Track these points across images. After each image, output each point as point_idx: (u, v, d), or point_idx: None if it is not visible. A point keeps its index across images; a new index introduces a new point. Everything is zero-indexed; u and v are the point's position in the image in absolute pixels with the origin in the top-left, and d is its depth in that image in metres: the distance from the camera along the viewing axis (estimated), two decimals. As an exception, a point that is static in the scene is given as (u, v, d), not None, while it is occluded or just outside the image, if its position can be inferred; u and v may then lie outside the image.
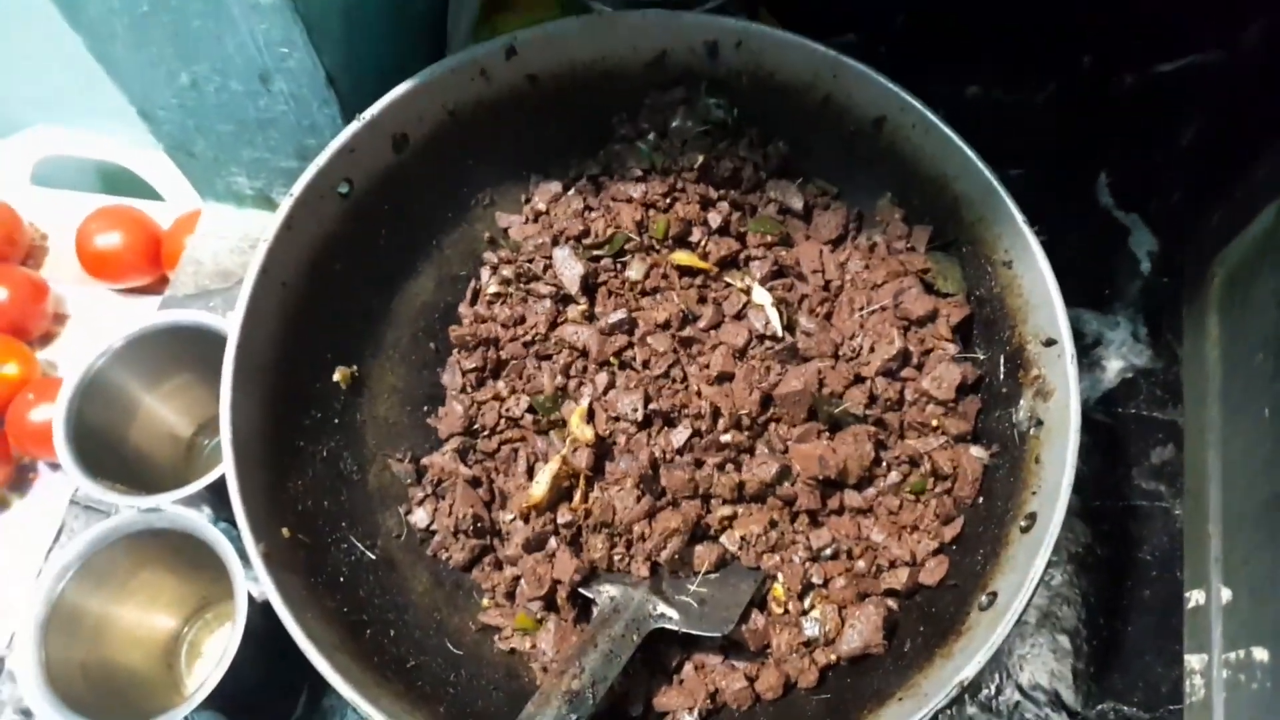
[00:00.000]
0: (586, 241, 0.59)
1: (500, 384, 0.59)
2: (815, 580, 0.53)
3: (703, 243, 0.59)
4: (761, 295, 0.58)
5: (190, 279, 0.74)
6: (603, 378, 0.56)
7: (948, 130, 0.54)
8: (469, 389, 0.59)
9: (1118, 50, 0.80)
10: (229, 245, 0.75)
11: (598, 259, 0.58)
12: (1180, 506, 0.65)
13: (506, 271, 0.59)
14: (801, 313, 0.58)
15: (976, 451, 0.54)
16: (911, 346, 0.56)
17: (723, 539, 0.54)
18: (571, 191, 0.61)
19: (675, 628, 0.51)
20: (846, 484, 0.54)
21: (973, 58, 0.81)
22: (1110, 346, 0.71)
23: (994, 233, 0.54)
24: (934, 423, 0.55)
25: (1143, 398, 0.69)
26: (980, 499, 0.54)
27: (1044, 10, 0.78)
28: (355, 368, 0.57)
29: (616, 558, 0.53)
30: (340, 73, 0.58)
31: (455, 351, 0.60)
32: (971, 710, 0.60)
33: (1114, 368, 0.70)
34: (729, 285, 0.59)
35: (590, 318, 0.58)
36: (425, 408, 0.59)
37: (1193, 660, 0.60)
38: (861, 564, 0.53)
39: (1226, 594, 0.58)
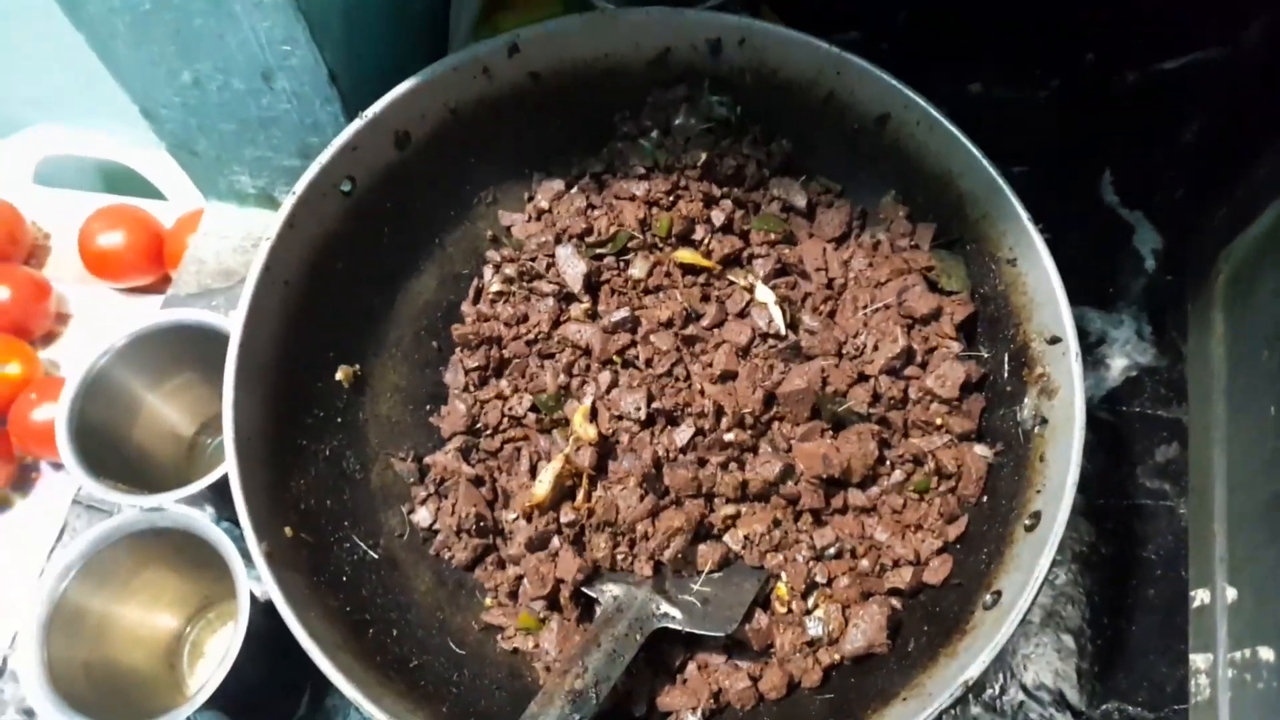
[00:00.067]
0: (589, 240, 0.58)
1: (503, 383, 0.58)
2: (819, 579, 0.53)
3: (706, 241, 0.59)
4: (765, 293, 0.57)
5: (193, 278, 0.74)
6: (605, 376, 0.56)
7: (952, 127, 0.54)
8: (472, 388, 0.59)
9: (1120, 48, 0.80)
10: (231, 244, 0.75)
11: (601, 257, 0.58)
12: (1185, 505, 0.65)
13: (509, 270, 0.59)
14: (805, 311, 0.58)
15: (981, 450, 0.54)
16: (915, 345, 0.56)
17: (726, 538, 0.54)
18: (574, 189, 0.61)
19: (678, 627, 0.50)
20: (850, 483, 0.54)
21: (975, 55, 0.81)
22: (1114, 344, 0.70)
23: (998, 230, 0.54)
24: (938, 421, 0.55)
25: (1147, 396, 0.69)
26: (984, 498, 0.53)
27: (1046, 8, 0.78)
28: (358, 366, 0.56)
29: (620, 557, 0.53)
30: (342, 71, 0.58)
31: (458, 350, 0.60)
32: (976, 710, 0.60)
33: (1118, 366, 0.70)
34: (732, 283, 0.58)
35: (593, 316, 0.57)
36: (428, 406, 0.59)
37: (1198, 660, 0.60)
38: (865, 563, 0.53)
39: (1232, 593, 0.57)
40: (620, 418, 0.55)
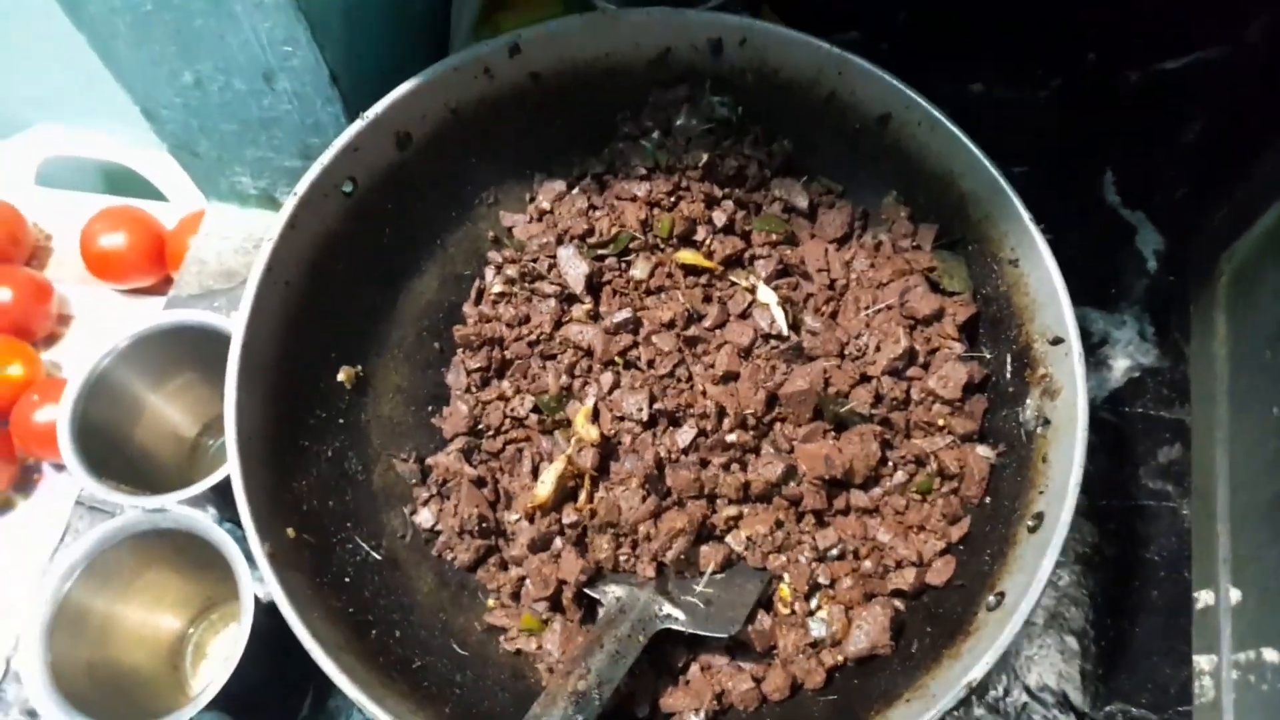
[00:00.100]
0: (591, 240, 0.58)
1: (505, 384, 0.58)
2: (822, 581, 0.53)
3: (707, 241, 0.59)
4: (766, 294, 0.57)
5: (194, 279, 0.74)
6: (608, 377, 0.56)
7: (953, 127, 0.54)
8: (473, 389, 0.59)
9: (1122, 48, 0.80)
10: (233, 245, 0.75)
11: (602, 258, 0.58)
12: (1188, 506, 0.65)
13: (511, 271, 0.59)
14: (807, 312, 0.58)
15: (983, 451, 0.54)
16: (917, 345, 0.56)
17: (729, 539, 0.54)
18: (576, 190, 0.61)
19: (681, 628, 0.50)
20: (852, 484, 0.54)
21: (976, 55, 0.81)
22: (1117, 345, 0.70)
23: (1000, 230, 0.54)
24: (940, 422, 0.55)
25: (1149, 397, 0.69)
26: (987, 499, 0.53)
27: (1047, 7, 0.78)
28: (360, 367, 0.56)
29: (622, 558, 0.53)
30: (343, 71, 0.58)
31: (460, 351, 0.60)
32: (979, 712, 0.60)
33: (1120, 367, 0.70)
34: (734, 284, 0.58)
35: (595, 317, 0.57)
36: (430, 407, 0.59)
37: (1201, 661, 0.60)
38: (868, 564, 0.53)
39: (1235, 594, 0.57)
40: (622, 419, 0.55)
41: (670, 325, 0.57)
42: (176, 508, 0.54)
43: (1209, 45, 0.78)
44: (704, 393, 0.55)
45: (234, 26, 0.54)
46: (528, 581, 0.54)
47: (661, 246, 0.58)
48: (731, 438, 0.54)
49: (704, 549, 0.54)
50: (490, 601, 0.56)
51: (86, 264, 0.93)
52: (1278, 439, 0.56)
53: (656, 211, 0.58)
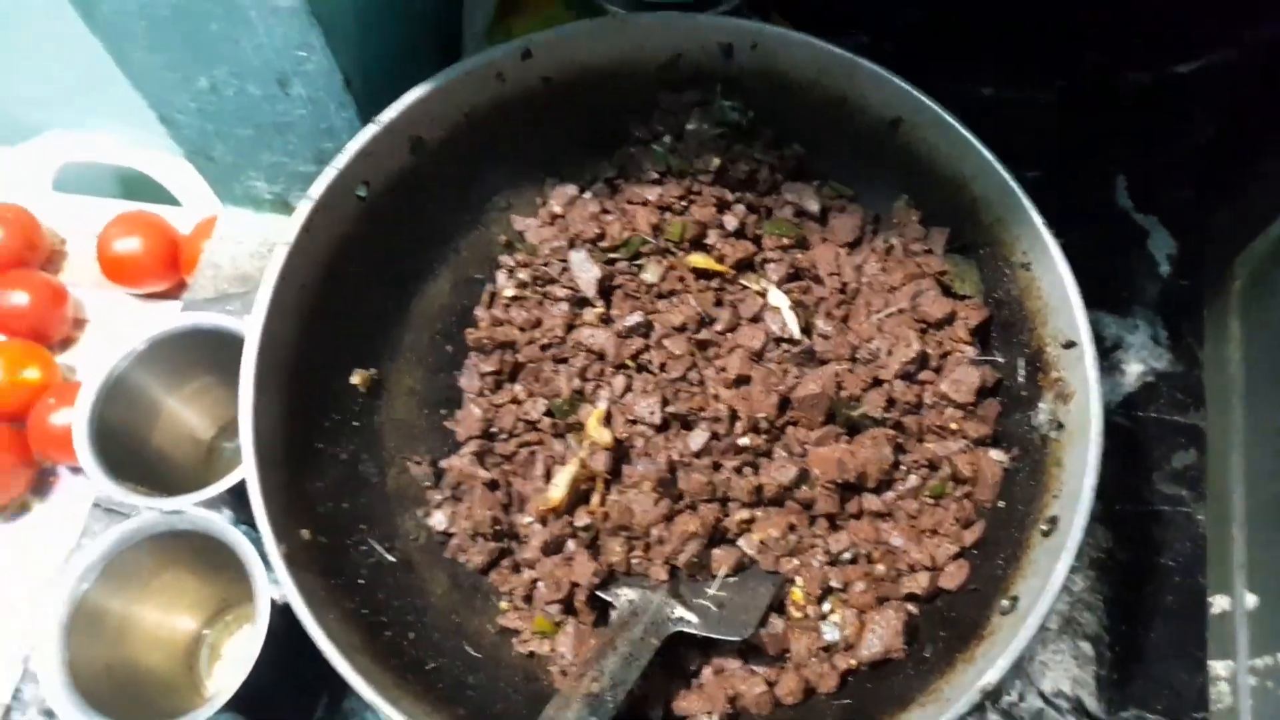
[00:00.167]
0: (603, 244, 0.58)
1: (517, 387, 0.59)
2: (834, 584, 0.53)
3: (719, 245, 0.59)
4: (778, 298, 0.57)
5: (209, 283, 0.74)
6: (620, 381, 0.56)
7: (964, 131, 0.54)
8: (486, 392, 0.59)
9: (1133, 51, 0.80)
10: (247, 249, 0.75)
11: (614, 262, 0.58)
12: (1202, 511, 0.65)
13: (523, 274, 0.59)
14: (818, 315, 0.58)
15: (996, 455, 0.54)
16: (930, 349, 0.56)
17: (741, 542, 0.54)
18: (587, 194, 0.61)
19: (694, 631, 0.50)
20: (865, 487, 0.54)
21: (986, 59, 0.81)
22: (1130, 350, 0.70)
23: (1012, 234, 0.54)
24: (953, 426, 0.55)
25: (1163, 401, 0.69)
26: (1000, 503, 0.53)
27: (1058, 11, 0.78)
28: (373, 370, 0.57)
29: (634, 561, 0.53)
30: (357, 76, 0.58)
31: (472, 354, 0.60)
32: (993, 717, 0.59)
33: (1134, 371, 0.69)
34: (745, 288, 0.59)
35: (607, 321, 0.58)
36: (443, 410, 0.60)
37: (1218, 667, 0.59)
38: (881, 568, 0.53)
39: (1252, 599, 0.57)
40: (634, 422, 0.55)
41: (682, 329, 0.57)
42: (193, 509, 0.54)
43: (1220, 48, 0.77)
44: (716, 396, 0.55)
45: (249, 32, 0.54)
46: (540, 584, 0.55)
47: (673, 250, 0.59)
48: (744, 441, 0.54)
49: (716, 552, 0.54)
50: (503, 604, 0.56)
51: (102, 268, 0.94)
52: (1293, 443, 0.56)
53: (668, 215, 0.59)
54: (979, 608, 0.49)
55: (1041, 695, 0.60)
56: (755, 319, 0.57)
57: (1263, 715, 0.54)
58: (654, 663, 0.49)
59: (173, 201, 1.02)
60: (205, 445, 0.68)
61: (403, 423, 0.58)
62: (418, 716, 0.44)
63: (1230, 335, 0.65)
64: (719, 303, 0.58)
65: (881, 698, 0.49)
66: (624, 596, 0.52)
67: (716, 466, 0.54)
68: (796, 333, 0.56)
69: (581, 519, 0.54)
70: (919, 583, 0.52)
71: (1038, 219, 0.52)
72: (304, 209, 0.51)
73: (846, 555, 0.53)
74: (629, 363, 0.56)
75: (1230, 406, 0.64)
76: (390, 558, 0.54)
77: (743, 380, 0.55)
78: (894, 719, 0.46)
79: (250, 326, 0.49)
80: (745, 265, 0.59)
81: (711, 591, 0.52)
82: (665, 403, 0.55)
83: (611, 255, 0.58)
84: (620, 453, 0.55)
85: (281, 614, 0.53)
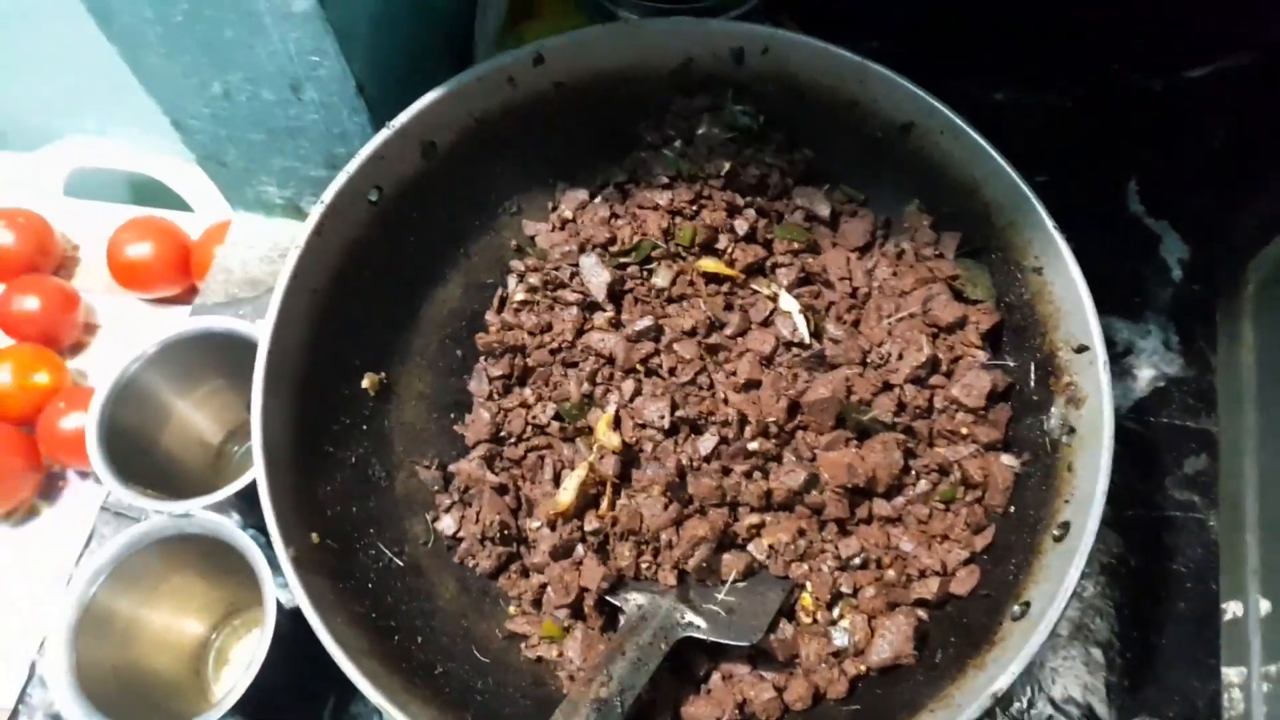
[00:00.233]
0: (613, 249, 0.59)
1: (527, 391, 0.59)
2: (844, 589, 0.53)
3: (729, 250, 0.59)
4: (788, 302, 0.57)
5: (220, 287, 0.75)
6: (629, 385, 0.56)
7: (976, 135, 0.54)
8: (496, 396, 0.59)
9: (1145, 56, 0.80)
10: (258, 254, 0.75)
11: (624, 266, 0.58)
12: (1214, 517, 0.64)
13: (533, 279, 0.59)
14: (829, 320, 0.58)
15: (1007, 459, 0.54)
16: (940, 353, 0.55)
17: (750, 547, 0.54)
18: (598, 199, 0.61)
19: (703, 636, 0.50)
20: (875, 492, 0.54)
21: (998, 63, 0.81)
22: (1141, 355, 0.70)
23: (1024, 238, 0.54)
24: (964, 430, 0.54)
25: (1175, 406, 0.68)
26: (1011, 508, 0.53)
27: (1071, 16, 0.78)
28: (383, 374, 0.57)
29: (644, 565, 0.53)
30: (370, 81, 0.58)
31: (482, 359, 0.60)
32: (1003, 723, 0.59)
33: (1145, 376, 0.69)
34: (756, 292, 0.58)
35: (617, 325, 0.58)
36: (452, 415, 0.60)
37: (1230, 674, 0.59)
38: (891, 573, 0.53)
39: (1265, 605, 0.57)
40: (644, 426, 0.55)
41: (692, 333, 0.57)
42: (201, 513, 0.55)
43: (1231, 53, 0.77)
44: (726, 400, 0.55)
45: (263, 37, 0.55)
46: (549, 589, 0.54)
47: (683, 255, 0.59)
48: (753, 446, 0.54)
49: (726, 557, 0.53)
50: (511, 608, 0.56)
51: (113, 274, 0.95)
52: (1307, 449, 0.55)
53: (678, 220, 0.59)
54: (990, 613, 0.49)
55: (1052, 702, 0.59)
56: (765, 323, 0.57)
57: (1277, 723, 0.54)
58: (662, 668, 0.49)
59: (184, 207, 1.02)
60: (214, 449, 0.68)
61: (412, 427, 0.58)
62: (426, 720, 0.44)
63: (1243, 340, 0.65)
64: (729, 307, 0.58)
65: (891, 703, 0.48)
66: (633, 601, 0.52)
67: (726, 471, 0.54)
68: (807, 337, 0.56)
69: (590, 523, 0.54)
70: (929, 588, 0.52)
71: (1050, 223, 0.52)
72: (316, 213, 0.52)
73: (856, 560, 0.53)
74: (638, 367, 0.56)
75: (1243, 411, 0.63)
76: (399, 562, 0.54)
77: (752, 385, 0.55)
78: (904, 725, 0.45)
79: (262, 330, 0.50)
80: (756, 270, 0.59)
81: (721, 596, 0.52)
82: (675, 407, 0.54)
83: (622, 260, 0.58)
84: (629, 457, 0.54)
85: (289, 618, 0.53)
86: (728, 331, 0.57)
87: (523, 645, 0.55)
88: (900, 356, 0.56)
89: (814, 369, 0.56)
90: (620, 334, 0.57)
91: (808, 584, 0.53)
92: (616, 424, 0.55)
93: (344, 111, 0.60)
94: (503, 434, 0.58)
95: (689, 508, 0.54)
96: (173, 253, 0.93)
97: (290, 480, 0.49)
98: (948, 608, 0.52)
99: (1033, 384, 0.54)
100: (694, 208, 0.59)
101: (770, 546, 0.54)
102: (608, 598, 0.52)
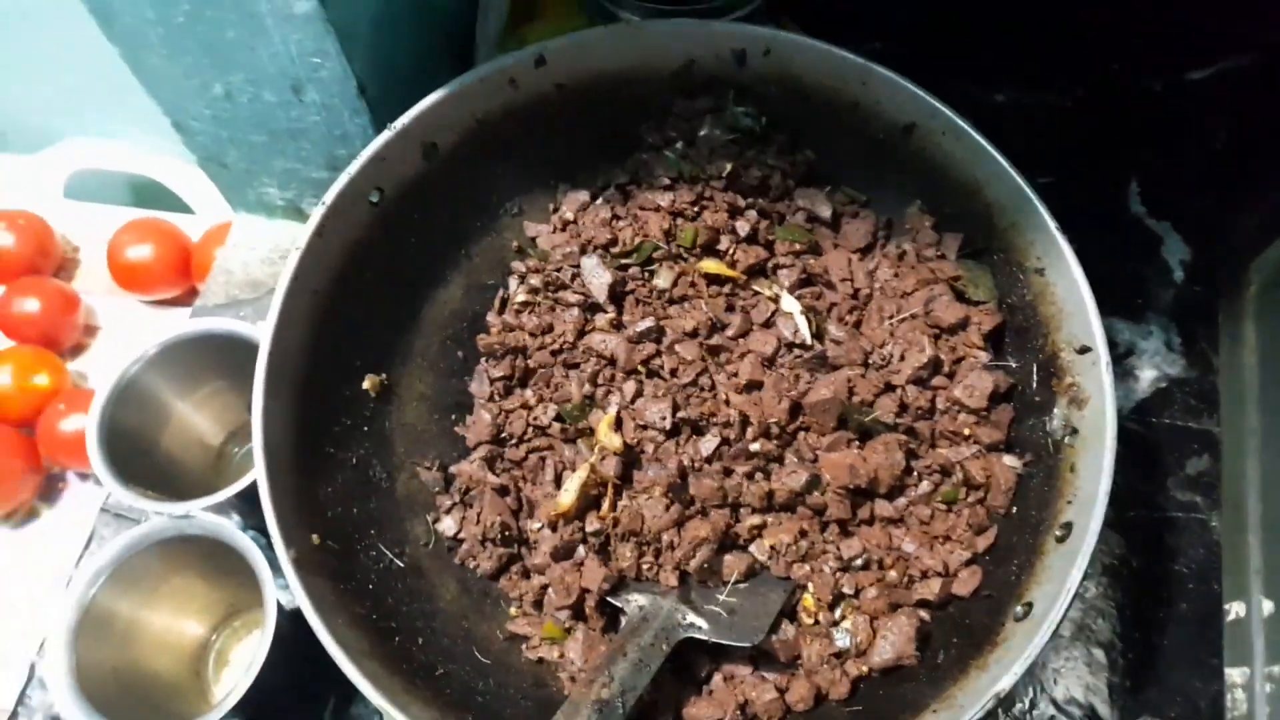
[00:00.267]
0: (614, 250, 0.59)
1: (528, 392, 0.58)
2: (846, 590, 0.53)
3: (731, 251, 0.59)
4: (790, 303, 0.57)
5: (221, 289, 0.75)
6: (630, 386, 0.56)
7: (979, 137, 0.53)
8: (497, 397, 0.59)
9: (1146, 57, 0.80)
10: (259, 256, 0.75)
11: (626, 267, 0.58)
12: (1217, 518, 0.64)
13: (534, 280, 0.59)
14: (830, 321, 0.58)
15: (1010, 460, 0.53)
16: (942, 354, 0.55)
17: (752, 548, 0.54)
18: (599, 200, 0.61)
19: (704, 637, 0.50)
20: (877, 493, 0.54)
21: (999, 65, 0.81)
22: (1143, 356, 0.70)
23: (1026, 239, 0.54)
24: (966, 431, 0.54)
25: (1177, 407, 0.68)
26: (1014, 509, 0.53)
27: (1072, 17, 0.78)
28: (384, 375, 0.57)
29: (645, 566, 0.53)
30: (371, 82, 0.58)
31: (483, 360, 0.60)
32: (1005, 724, 0.59)
33: (1147, 377, 0.69)
34: (757, 293, 0.58)
35: (618, 326, 0.58)
36: (453, 416, 0.59)
37: (1234, 674, 0.59)
38: (893, 574, 0.53)
39: (1268, 606, 0.57)
40: (645, 427, 0.55)
41: (693, 334, 0.57)
42: (202, 514, 0.54)
43: (1233, 55, 0.77)
44: (727, 401, 0.55)
45: (264, 39, 0.55)
46: (550, 590, 0.54)
47: (685, 256, 0.59)
48: (755, 447, 0.54)
49: (727, 558, 0.53)
50: (512, 610, 0.56)
51: (113, 275, 0.95)
52: (1310, 450, 0.55)
53: (680, 221, 0.59)
54: (992, 613, 0.48)
55: (1054, 702, 0.59)
56: (767, 324, 0.57)
57: (1280, 724, 0.54)
58: (664, 669, 0.49)
59: (185, 209, 1.02)
60: (214, 450, 0.68)
61: (413, 428, 0.58)
62: (427, 721, 0.44)
63: (1245, 340, 0.65)
64: (731, 308, 0.58)
65: (893, 704, 0.48)
66: (634, 602, 0.52)
67: (727, 472, 0.54)
68: (808, 338, 0.56)
69: (592, 524, 0.54)
70: (931, 589, 0.52)
71: (1052, 224, 0.52)
72: (317, 214, 0.52)
73: (858, 561, 0.53)
74: (640, 368, 0.56)
75: (1245, 412, 0.63)
76: (399, 563, 0.54)
77: (754, 385, 0.55)
78: (907, 726, 0.45)
79: (262, 332, 0.49)
80: (757, 271, 0.59)
81: (722, 597, 0.52)
82: (676, 408, 0.54)
83: (623, 261, 0.58)
84: (631, 458, 0.54)
85: (289, 619, 0.53)
86: (729, 333, 0.57)
87: (524, 646, 0.54)
88: (902, 358, 0.55)
89: (816, 370, 0.56)
90: (621, 335, 0.57)
91: (809, 585, 0.53)
92: (618, 425, 0.55)
93: (345, 113, 0.60)
94: (504, 435, 0.58)
95: (690, 509, 0.53)
96: (173, 254, 0.93)
97: (291, 481, 0.49)
98: (950, 608, 0.52)
99: (1035, 385, 0.54)
100: (695, 209, 0.59)
101: (772, 547, 0.53)
102: (609, 599, 0.52)
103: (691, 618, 0.51)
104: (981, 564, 0.52)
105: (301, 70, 0.57)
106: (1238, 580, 0.60)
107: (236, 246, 0.76)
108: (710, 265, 0.58)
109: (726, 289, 0.58)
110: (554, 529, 0.55)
